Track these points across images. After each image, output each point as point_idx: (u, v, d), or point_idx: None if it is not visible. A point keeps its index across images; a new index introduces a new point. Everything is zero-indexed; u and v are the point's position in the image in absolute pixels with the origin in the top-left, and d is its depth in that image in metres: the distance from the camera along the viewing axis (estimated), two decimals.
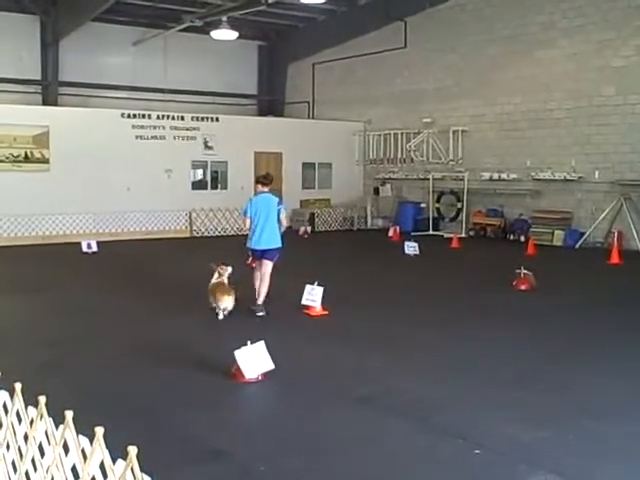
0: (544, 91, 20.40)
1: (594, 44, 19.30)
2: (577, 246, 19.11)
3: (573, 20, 19.73)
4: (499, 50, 21.47)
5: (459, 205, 22.59)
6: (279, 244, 10.56)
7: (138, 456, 2.90)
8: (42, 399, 3.55)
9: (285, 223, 10.78)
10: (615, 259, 16.13)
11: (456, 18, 22.62)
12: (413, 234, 21.09)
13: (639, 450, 5.52)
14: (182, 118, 22.79)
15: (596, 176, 19.26)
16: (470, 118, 22.45)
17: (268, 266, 10.53)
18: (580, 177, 19.57)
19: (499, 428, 5.93)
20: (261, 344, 7.19)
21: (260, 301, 10.47)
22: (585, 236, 19.18)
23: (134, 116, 21.90)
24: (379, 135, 25.38)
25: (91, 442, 3.18)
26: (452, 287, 13.21)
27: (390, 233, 21.59)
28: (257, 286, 10.62)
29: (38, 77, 23.73)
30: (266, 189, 10.79)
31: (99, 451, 3.06)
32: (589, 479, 5.04)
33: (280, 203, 10.76)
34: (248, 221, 10.58)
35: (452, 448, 5.54)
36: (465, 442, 5.60)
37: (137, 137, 21.80)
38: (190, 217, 22.48)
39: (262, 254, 10.52)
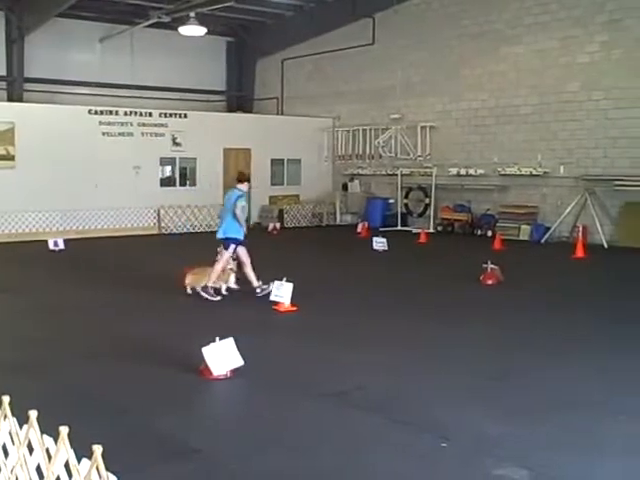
0: (510, 87, 20.60)
1: (559, 40, 19.53)
2: (543, 240, 19.34)
3: (538, 17, 19.93)
4: (466, 46, 21.63)
5: (427, 201, 22.73)
6: (234, 234, 11.27)
7: (104, 455, 2.91)
8: (5, 399, 3.55)
9: (238, 212, 11.25)
10: (580, 253, 16.36)
11: (423, 15, 22.73)
12: (382, 230, 21.17)
13: (606, 442, 5.60)
14: (150, 114, 22.64)
15: (561, 171, 19.51)
16: (438, 114, 22.59)
17: (224, 254, 11.36)
18: (546, 172, 19.81)
19: (466, 421, 6.01)
20: (230, 340, 7.20)
21: (255, 284, 11.31)
22: (551, 231, 19.42)
23: (101, 112, 21.69)
24: (348, 131, 25.44)
25: (56, 442, 3.19)
26: (420, 282, 13.32)
27: (359, 229, 21.68)
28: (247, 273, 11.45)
29: (3, 73, 23.41)
30: (241, 185, 11.58)
31: (64, 450, 3.07)
32: (555, 472, 5.10)
33: (240, 197, 11.35)
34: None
35: (420, 442, 5.61)
36: (432, 436, 5.66)
37: (104, 134, 21.59)
38: (158, 214, 22.37)
39: (222, 242, 11.37)
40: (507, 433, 5.75)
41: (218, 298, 11.28)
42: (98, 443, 2.89)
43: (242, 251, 11.46)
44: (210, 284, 11.28)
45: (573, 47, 19.25)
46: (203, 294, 11.24)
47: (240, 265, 11.58)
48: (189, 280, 11.48)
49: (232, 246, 11.33)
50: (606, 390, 6.88)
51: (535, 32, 20.00)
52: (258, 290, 11.33)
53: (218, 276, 11.42)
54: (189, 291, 11.47)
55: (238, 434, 5.81)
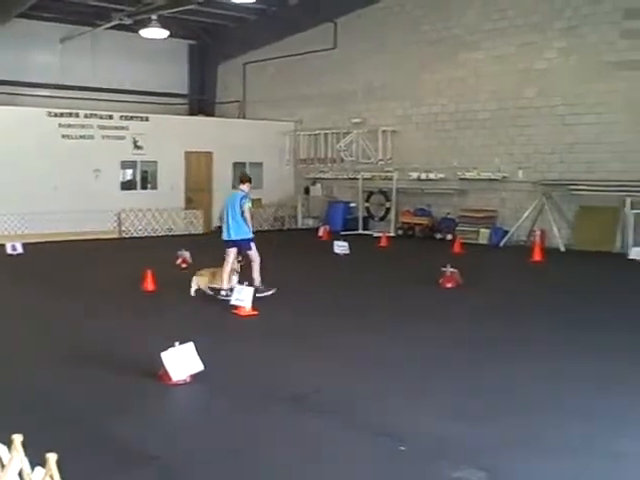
0: (470, 92, 20.86)
1: (517, 47, 19.81)
2: (501, 244, 19.59)
3: (497, 23, 20.20)
4: (426, 52, 21.83)
5: (388, 204, 22.90)
6: (247, 235, 11.70)
7: (59, 463, 2.92)
8: None
9: (247, 215, 11.62)
10: (537, 257, 16.62)
11: (384, 20, 22.91)
12: (343, 233, 21.28)
13: (560, 442, 5.70)
14: (111, 117, 22.46)
15: (519, 176, 19.80)
16: (399, 118, 22.77)
17: (251, 255, 11.77)
18: (504, 177, 20.08)
19: (424, 424, 6.07)
20: (190, 345, 7.21)
21: (257, 283, 11.54)
22: (509, 234, 19.69)
23: (61, 115, 21.47)
24: (309, 135, 25.51)
25: (9, 450, 3.19)
26: (380, 286, 13.42)
27: (320, 232, 21.76)
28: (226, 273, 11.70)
29: None
30: (243, 186, 12.02)
31: (17, 459, 3.07)
32: (511, 472, 5.18)
33: (244, 198, 11.69)
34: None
35: (378, 445, 5.65)
36: (390, 439, 5.70)
37: (64, 136, 21.37)
38: (119, 218, 22.22)
39: (235, 246, 11.72)
40: (464, 435, 5.82)
41: (272, 291, 11.64)
42: (52, 451, 2.90)
43: (233, 252, 11.79)
44: (257, 283, 11.58)
45: (531, 53, 19.55)
46: (262, 294, 11.36)
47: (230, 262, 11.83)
48: (195, 281, 11.70)
49: (253, 244, 11.78)
50: (560, 391, 7.00)
51: (494, 38, 20.27)
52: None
53: (215, 276, 11.73)
54: (193, 293, 11.68)
55: (197, 440, 5.80)
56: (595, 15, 18.30)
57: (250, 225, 11.75)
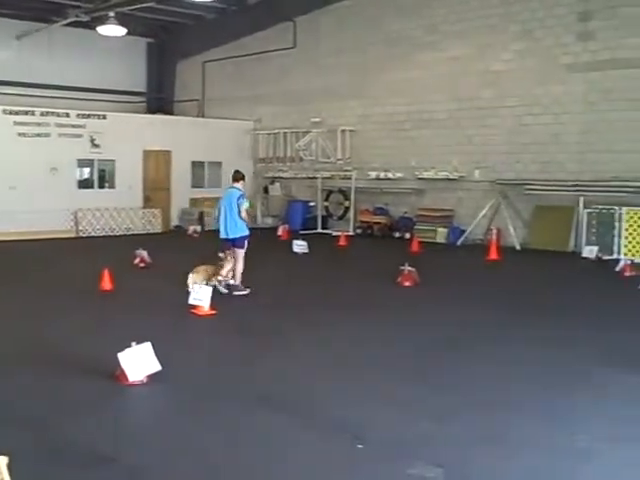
0: (428, 93, 21.04)
1: (475, 48, 20.06)
2: (459, 243, 19.83)
3: (454, 24, 20.43)
4: (385, 52, 21.99)
5: (347, 203, 23.02)
6: (243, 232, 11.95)
7: (10, 466, 2.91)
8: None
9: (243, 215, 11.91)
10: (494, 255, 16.86)
11: (343, 19, 23.01)
12: (302, 232, 21.32)
13: (516, 439, 5.79)
14: (68, 115, 22.21)
15: (476, 175, 20.05)
16: (358, 118, 22.89)
17: (238, 253, 11.95)
18: (461, 176, 20.32)
19: (383, 422, 6.13)
20: (147, 345, 7.19)
21: (236, 281, 11.91)
22: (466, 233, 19.93)
23: (17, 112, 21.17)
24: (269, 134, 25.51)
25: None
26: (339, 284, 13.49)
27: (279, 231, 21.78)
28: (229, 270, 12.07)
29: None
30: (237, 184, 12.22)
31: None
32: (467, 469, 5.25)
33: (241, 197, 11.92)
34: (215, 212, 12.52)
35: (337, 443, 5.70)
36: (348, 437, 5.75)
37: (20, 134, 21.08)
38: (76, 216, 21.99)
39: (231, 243, 11.95)
40: (420, 432, 5.89)
41: (247, 291, 11.90)
42: (3, 454, 2.88)
43: (232, 249, 12.03)
44: (235, 282, 11.93)
45: (488, 55, 19.81)
46: (236, 293, 11.82)
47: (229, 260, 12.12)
48: (192, 278, 11.68)
49: (246, 243, 12.03)
50: (517, 389, 7.11)
51: (452, 39, 20.49)
52: (232, 289, 11.92)
53: (214, 273, 11.94)
54: (190, 289, 11.37)
55: (154, 441, 5.79)
56: (551, 18, 18.62)
57: (246, 225, 12.05)
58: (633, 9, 17.20)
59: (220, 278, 11.99)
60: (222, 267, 12.07)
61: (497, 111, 19.63)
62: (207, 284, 11.53)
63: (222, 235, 12.06)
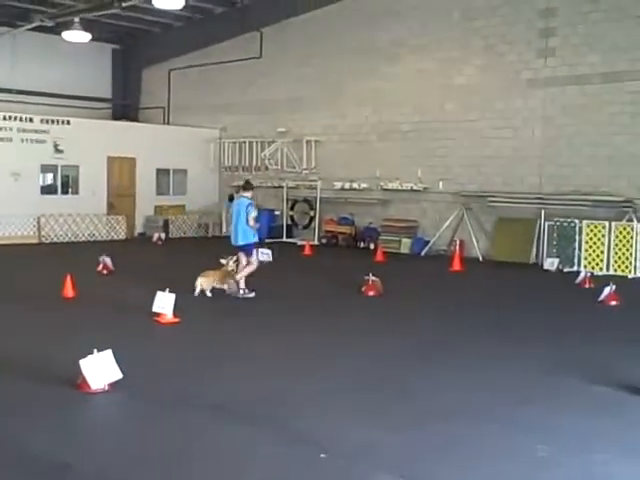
0: (392, 105, 21.24)
1: (438, 62, 20.31)
2: (423, 254, 20.01)
3: (419, 38, 20.65)
4: (350, 63, 22.13)
5: (312, 213, 23.11)
6: (249, 240, 12.59)
7: None
8: None
9: (251, 223, 12.49)
10: (457, 266, 17.03)
11: (310, 30, 23.13)
12: (267, 241, 21.33)
13: (480, 449, 5.83)
14: (31, 120, 22.03)
15: (440, 187, 20.27)
16: (323, 128, 23.02)
17: (243, 258, 12.66)
18: (425, 188, 20.52)
19: (345, 432, 6.11)
20: (108, 353, 7.15)
21: (242, 285, 12.47)
22: (430, 244, 20.12)
23: None
24: (234, 143, 25.53)
25: None
26: (303, 293, 13.53)
27: None
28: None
29: None
30: (246, 193, 12.80)
31: None
32: (430, 479, 5.30)
33: (249, 205, 12.51)
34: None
35: (298, 453, 5.67)
36: (311, 446, 5.73)
37: None
38: (39, 222, 21.76)
39: (241, 250, 12.62)
40: (384, 442, 5.89)
41: (253, 294, 12.47)
42: None
43: (242, 256, 12.67)
44: (242, 285, 12.52)
45: (451, 69, 20.07)
46: (246, 296, 12.44)
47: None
48: (200, 282, 12.24)
49: (254, 250, 12.73)
50: (480, 399, 7.17)
51: (416, 52, 20.72)
52: (241, 292, 12.49)
53: (222, 278, 12.45)
54: (197, 293, 12.21)
55: (114, 450, 5.75)
56: (512, 34, 18.94)
57: (256, 232, 12.70)
58: (592, 27, 17.57)
59: (235, 284, 12.49)
60: (234, 272, 12.55)
61: (460, 124, 19.87)
62: (214, 288, 12.35)
63: (233, 242, 12.76)
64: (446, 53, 20.13)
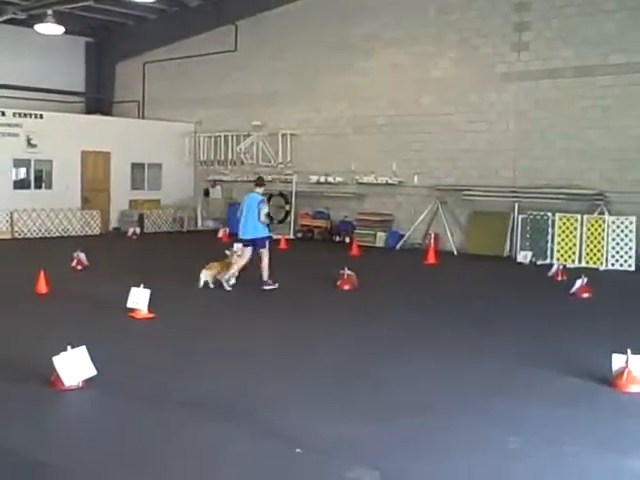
0: (367, 99, 21.28)
1: (413, 56, 20.38)
2: (398, 247, 20.09)
3: (394, 32, 20.71)
4: (325, 57, 22.14)
5: (287, 207, 23.10)
6: (263, 233, 12.98)
7: None
8: None
9: (263, 219, 12.83)
10: (431, 259, 17.13)
11: (284, 24, 23.10)
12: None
13: (453, 441, 5.88)
14: (3, 114, 21.81)
15: (415, 181, 20.35)
16: (298, 122, 23.02)
17: (263, 253, 12.91)
18: (400, 181, 20.60)
19: (320, 426, 6.13)
20: (82, 349, 7.11)
21: (265, 277, 12.82)
22: (405, 238, 20.21)
23: None
24: (209, 137, 25.46)
25: None
26: (279, 288, 13.53)
27: (220, 234, 21.74)
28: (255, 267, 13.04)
29: None
30: (259, 189, 13.28)
31: None
32: (405, 473, 5.30)
33: (261, 202, 12.87)
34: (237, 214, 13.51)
35: (274, 448, 5.67)
36: (287, 441, 5.74)
37: None
38: (12, 218, 21.57)
39: (251, 244, 12.93)
40: (358, 436, 5.91)
41: (276, 285, 12.79)
42: None
43: (249, 250, 12.97)
44: (265, 277, 12.82)
45: (427, 62, 20.15)
46: (266, 287, 12.77)
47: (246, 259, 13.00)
48: (204, 274, 12.61)
49: (267, 243, 13.03)
50: (453, 391, 7.24)
51: (391, 46, 20.78)
52: (263, 284, 12.81)
53: (222, 269, 12.71)
54: (201, 285, 12.61)
55: (88, 446, 5.72)
56: (487, 28, 19.05)
57: (265, 227, 13.00)
58: (565, 21, 17.72)
59: (227, 276, 12.66)
60: (231, 265, 12.71)
61: (435, 118, 19.96)
62: (215, 280, 12.66)
63: (241, 235, 13.05)
64: (421, 47, 20.21)
